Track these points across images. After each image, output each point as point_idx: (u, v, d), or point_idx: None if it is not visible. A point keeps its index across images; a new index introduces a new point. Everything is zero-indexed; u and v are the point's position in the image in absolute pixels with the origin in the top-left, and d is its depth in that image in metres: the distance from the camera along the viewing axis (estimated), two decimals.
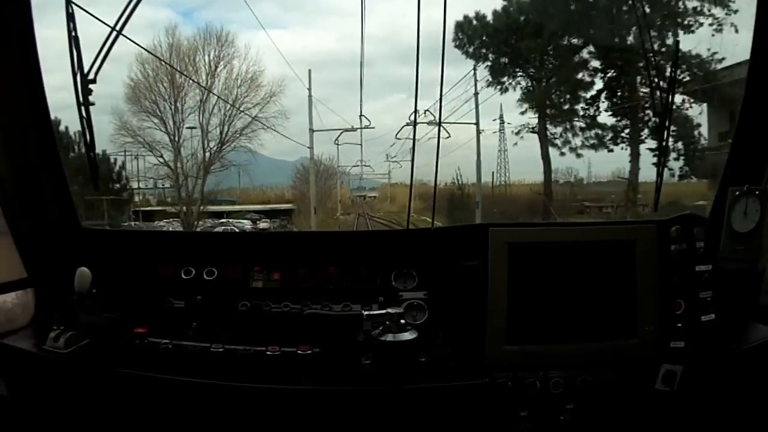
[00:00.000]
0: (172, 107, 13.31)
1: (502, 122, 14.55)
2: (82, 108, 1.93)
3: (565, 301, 1.78)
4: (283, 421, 1.74)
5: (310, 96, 12.89)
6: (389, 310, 1.71)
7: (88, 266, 1.80)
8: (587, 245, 1.82)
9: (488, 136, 14.81)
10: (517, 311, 1.76)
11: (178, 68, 13.07)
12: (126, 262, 1.95)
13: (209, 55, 13.38)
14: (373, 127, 12.38)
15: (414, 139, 3.31)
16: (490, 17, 12.19)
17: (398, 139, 12.82)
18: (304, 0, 21.97)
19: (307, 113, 13.20)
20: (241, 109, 13.29)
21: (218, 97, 13.13)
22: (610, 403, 1.76)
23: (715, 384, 1.75)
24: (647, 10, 2.15)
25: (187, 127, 13.33)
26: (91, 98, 1.93)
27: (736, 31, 9.68)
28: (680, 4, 10.48)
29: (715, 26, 10.17)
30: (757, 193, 1.80)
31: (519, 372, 1.74)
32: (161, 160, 13.75)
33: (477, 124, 12.73)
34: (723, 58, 9.96)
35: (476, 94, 12.63)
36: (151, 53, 12.27)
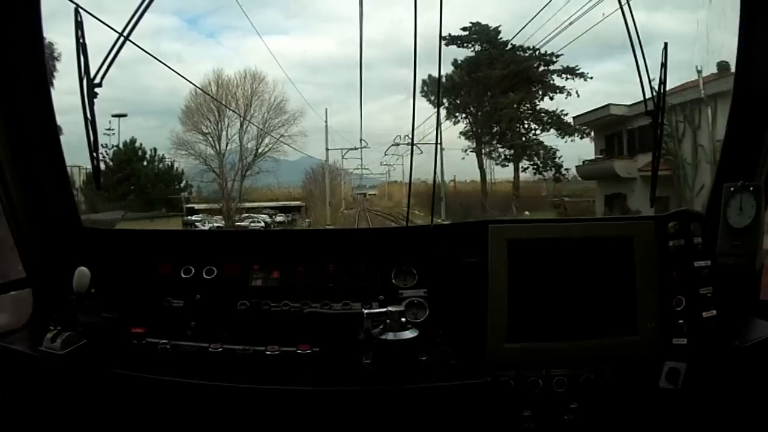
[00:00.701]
0: (218, 126, 14.86)
1: None
2: (87, 111, 1.66)
3: (566, 297, 1.51)
4: (283, 421, 1.46)
5: (326, 128, 14.47)
6: (390, 309, 1.44)
7: (87, 265, 1.52)
8: (586, 241, 1.55)
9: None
10: (517, 308, 1.49)
11: (221, 100, 14.55)
12: (125, 262, 1.67)
13: (245, 90, 14.80)
14: (369, 147, 14.40)
15: (411, 145, 3.11)
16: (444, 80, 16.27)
17: (386, 155, 15.17)
18: (305, 7, 21.12)
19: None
20: (270, 131, 14.97)
21: (248, 122, 14.73)
22: (614, 402, 1.48)
23: (719, 381, 1.46)
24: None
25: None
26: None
27: (578, 96, 14.68)
28: (550, 78, 15.14)
29: (565, 94, 15.03)
30: (751, 188, 1.55)
31: (521, 370, 1.46)
32: (210, 166, 15.29)
33: (440, 143, 15.38)
34: (567, 113, 14.89)
35: (439, 124, 15.69)
36: (198, 87, 13.74)
